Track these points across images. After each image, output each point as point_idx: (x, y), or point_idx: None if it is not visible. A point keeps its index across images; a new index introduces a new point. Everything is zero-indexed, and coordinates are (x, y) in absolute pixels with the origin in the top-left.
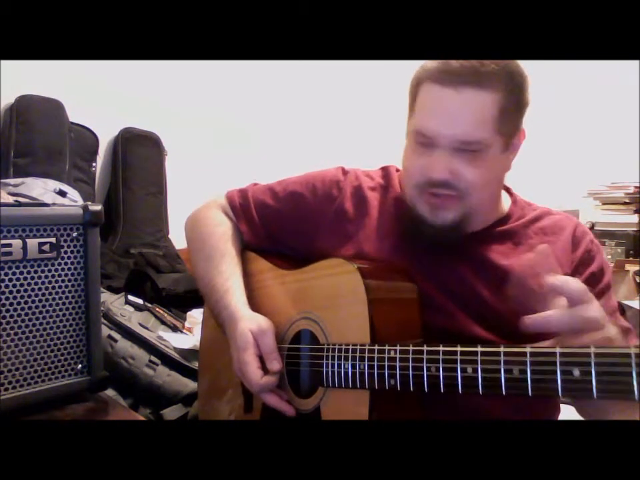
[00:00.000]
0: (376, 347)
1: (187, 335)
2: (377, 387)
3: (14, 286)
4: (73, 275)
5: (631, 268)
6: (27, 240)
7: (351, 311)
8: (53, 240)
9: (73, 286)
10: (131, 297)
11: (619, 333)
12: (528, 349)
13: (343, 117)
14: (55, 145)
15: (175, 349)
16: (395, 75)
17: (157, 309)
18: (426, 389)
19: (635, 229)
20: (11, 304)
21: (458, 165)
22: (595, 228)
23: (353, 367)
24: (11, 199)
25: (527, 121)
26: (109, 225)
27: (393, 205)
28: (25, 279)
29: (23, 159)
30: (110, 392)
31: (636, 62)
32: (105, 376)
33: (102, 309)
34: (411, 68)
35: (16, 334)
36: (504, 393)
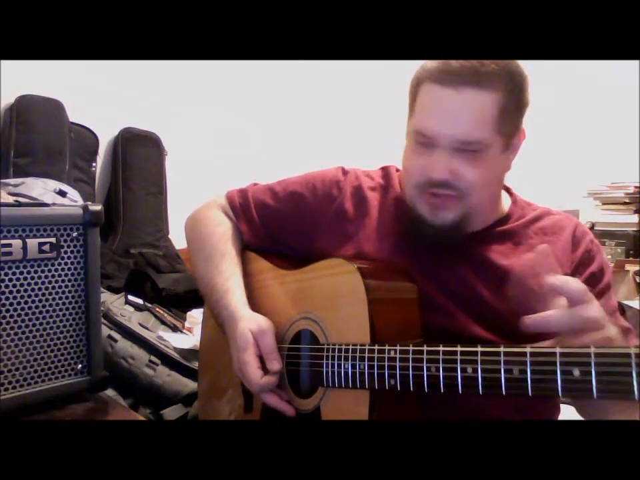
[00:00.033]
0: (376, 347)
1: (187, 335)
2: (377, 387)
3: (14, 286)
4: (73, 275)
5: (631, 268)
6: (27, 240)
7: (351, 311)
8: (53, 240)
9: (73, 286)
10: (130, 297)
11: (618, 333)
12: (528, 349)
13: (343, 117)
14: (55, 145)
15: (175, 349)
16: (395, 75)
17: (157, 309)
18: (426, 389)
19: (635, 228)
20: (11, 304)
21: (458, 164)
22: (595, 228)
23: (353, 367)
24: (11, 199)
25: (526, 121)
26: (109, 225)
27: (393, 205)
28: (25, 279)
29: (23, 158)
30: (110, 392)
31: (636, 62)
32: (105, 376)
33: (102, 308)
34: (410, 68)
35: (16, 334)
36: (504, 392)
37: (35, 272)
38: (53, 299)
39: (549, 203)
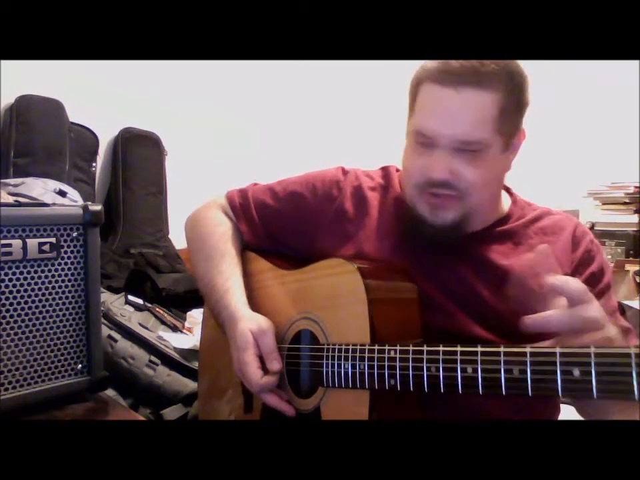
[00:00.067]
0: (376, 347)
1: (187, 335)
2: (377, 387)
3: (14, 286)
4: (73, 275)
5: (631, 268)
6: (27, 240)
7: (351, 311)
8: (53, 240)
9: (73, 286)
10: (130, 297)
11: (618, 332)
12: (528, 349)
13: (343, 117)
14: (55, 145)
15: (175, 348)
16: (395, 75)
17: (157, 309)
18: (426, 389)
19: (635, 228)
20: (11, 304)
21: (458, 164)
22: (595, 228)
23: (353, 367)
24: (11, 199)
25: (526, 121)
26: (109, 225)
27: (393, 205)
28: (25, 279)
29: (23, 158)
30: (110, 392)
31: (636, 62)
32: (105, 376)
33: (102, 308)
34: (410, 68)
35: (16, 334)
36: (504, 392)
37: (35, 272)
38: (53, 299)
39: (549, 203)
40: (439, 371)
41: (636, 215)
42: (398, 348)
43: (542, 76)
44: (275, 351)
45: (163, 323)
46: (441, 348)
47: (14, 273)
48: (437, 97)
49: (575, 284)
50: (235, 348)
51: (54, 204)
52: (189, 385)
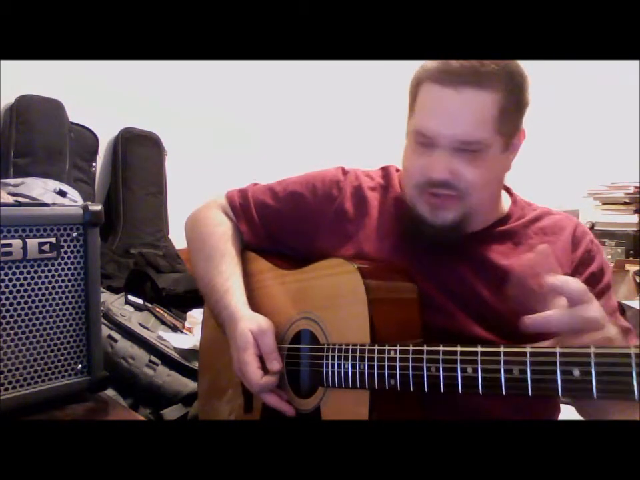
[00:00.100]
0: (376, 347)
1: (187, 335)
2: (377, 387)
3: (14, 286)
4: (73, 275)
5: (631, 268)
6: (27, 240)
7: (351, 311)
8: (53, 240)
9: (73, 286)
10: (131, 297)
11: (618, 332)
12: (528, 349)
13: (343, 117)
14: (55, 145)
15: (175, 348)
16: (395, 75)
17: (157, 309)
18: (426, 389)
19: (635, 228)
20: (11, 304)
21: (458, 164)
22: (595, 228)
23: (353, 367)
24: (11, 199)
25: (526, 121)
26: (109, 225)
27: (393, 205)
28: (25, 279)
29: (23, 158)
30: (110, 392)
31: (636, 62)
32: (105, 376)
33: (102, 308)
34: (410, 68)
35: (16, 334)
36: (504, 392)
37: (35, 272)
38: (53, 299)
39: (549, 203)
40: (439, 371)
41: (636, 215)
42: (398, 348)
43: (542, 76)
44: (275, 351)
45: (163, 323)
46: (441, 348)
47: (14, 273)
48: (437, 97)
49: (575, 284)
50: (235, 348)
51: (54, 204)
52: (189, 385)
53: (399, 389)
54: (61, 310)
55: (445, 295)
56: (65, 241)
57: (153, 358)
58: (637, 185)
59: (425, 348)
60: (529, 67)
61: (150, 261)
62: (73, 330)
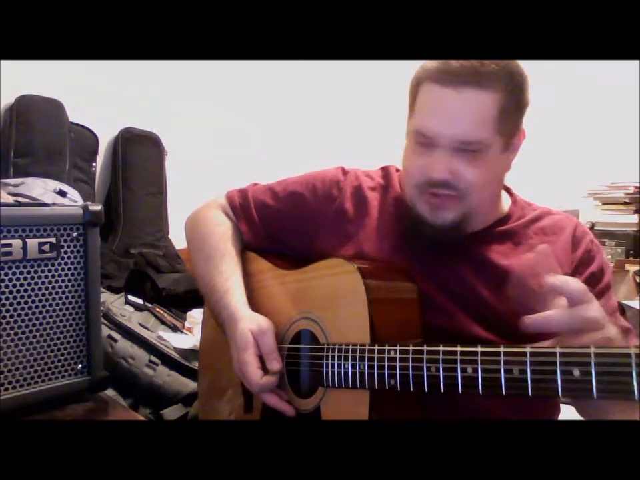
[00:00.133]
0: (376, 347)
1: (187, 335)
2: (377, 387)
3: (14, 286)
4: (73, 275)
5: (631, 268)
6: (27, 240)
7: (351, 311)
8: (53, 240)
9: (73, 286)
10: (131, 297)
11: (618, 332)
12: (528, 349)
13: (343, 117)
14: (55, 145)
15: (175, 348)
16: (395, 75)
17: (157, 309)
18: (426, 389)
19: (635, 229)
20: (11, 304)
21: (458, 164)
22: (595, 228)
23: (353, 367)
24: (11, 199)
25: (527, 121)
26: (109, 225)
27: (393, 205)
28: (25, 279)
29: (23, 158)
30: (110, 392)
31: (636, 62)
32: (105, 376)
33: (102, 308)
34: (410, 68)
35: (16, 334)
36: (504, 392)
37: (35, 272)
38: (53, 299)
39: (549, 203)
40: (439, 371)
41: (636, 215)
42: (398, 348)
43: (542, 76)
44: (274, 351)
45: (163, 323)
46: (441, 348)
47: (14, 273)
48: (437, 97)
49: (575, 284)
50: (235, 348)
51: (54, 204)
52: (189, 385)
53: (398, 388)
54: (60, 310)
55: (445, 295)
56: (65, 241)
57: (153, 358)
58: (637, 184)
59: (425, 348)
60: (529, 67)
61: (150, 261)
62: (73, 330)
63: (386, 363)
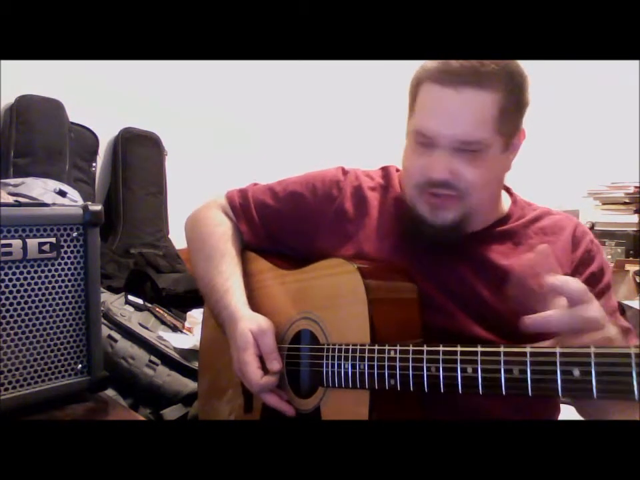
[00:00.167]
0: (376, 347)
1: (187, 335)
2: (377, 387)
3: (14, 286)
4: (73, 275)
5: (631, 268)
6: (27, 240)
7: (351, 311)
8: (53, 240)
9: (73, 286)
10: (131, 297)
11: (618, 332)
12: (528, 349)
13: (343, 117)
14: (55, 145)
15: (175, 348)
16: (395, 75)
17: (157, 309)
18: (426, 389)
19: (635, 229)
20: (11, 304)
21: (458, 164)
22: (595, 228)
23: (353, 367)
24: (11, 199)
25: (527, 121)
26: (109, 225)
27: (393, 205)
28: (25, 279)
29: (23, 158)
30: (110, 392)
31: (636, 62)
32: (105, 376)
33: (102, 308)
34: (410, 68)
35: (16, 334)
36: (504, 392)
37: (35, 272)
38: (53, 299)
39: (549, 203)
40: (439, 371)
41: (636, 215)
42: (398, 348)
43: (542, 76)
44: (275, 351)
45: (163, 323)
46: (441, 348)
47: (14, 273)
48: (437, 97)
49: (575, 284)
50: (235, 348)
51: (54, 204)
52: (189, 385)
53: (398, 388)
54: (60, 310)
55: (445, 295)
56: (65, 241)
57: (153, 358)
58: (637, 184)
59: (425, 348)
60: (529, 67)
61: (150, 261)
62: (73, 330)
63: (386, 363)
